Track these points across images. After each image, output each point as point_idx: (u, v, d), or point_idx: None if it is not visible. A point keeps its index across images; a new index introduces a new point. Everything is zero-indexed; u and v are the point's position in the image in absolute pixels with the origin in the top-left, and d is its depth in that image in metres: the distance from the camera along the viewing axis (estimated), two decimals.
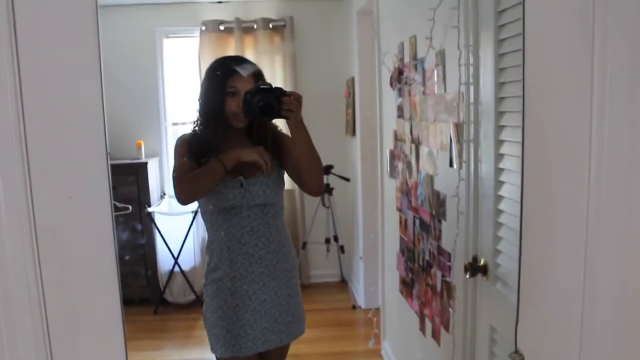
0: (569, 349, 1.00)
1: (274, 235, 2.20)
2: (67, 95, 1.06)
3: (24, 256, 1.01)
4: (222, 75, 2.10)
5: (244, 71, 2.10)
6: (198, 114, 2.19)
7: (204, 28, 5.06)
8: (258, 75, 2.16)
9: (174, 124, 5.34)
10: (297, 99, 2.00)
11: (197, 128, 2.19)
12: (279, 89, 2.03)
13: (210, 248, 2.23)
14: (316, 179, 2.16)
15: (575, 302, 0.99)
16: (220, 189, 2.12)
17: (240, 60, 2.19)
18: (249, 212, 2.14)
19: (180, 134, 2.25)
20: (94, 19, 1.03)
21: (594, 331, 0.99)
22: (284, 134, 2.27)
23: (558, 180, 1.03)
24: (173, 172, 2.14)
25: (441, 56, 2.31)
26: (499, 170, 1.83)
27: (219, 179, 2.08)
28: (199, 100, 2.19)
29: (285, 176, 2.29)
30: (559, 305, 1.04)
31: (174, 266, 4.91)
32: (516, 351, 1.06)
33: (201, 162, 2.12)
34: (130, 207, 4.74)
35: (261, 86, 2.04)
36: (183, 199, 2.10)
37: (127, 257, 4.86)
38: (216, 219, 2.17)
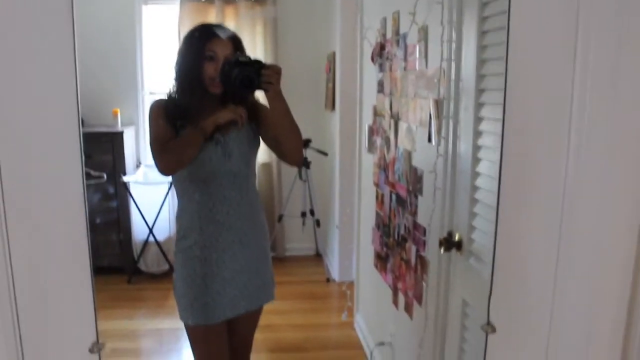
0: (540, 321, 1.03)
1: (245, 202, 2.19)
2: (38, 57, 1.04)
3: None
4: (200, 39, 2.07)
5: (222, 33, 2.07)
6: (174, 80, 2.15)
7: None
8: (236, 41, 2.13)
9: (152, 93, 5.26)
10: (276, 71, 1.98)
11: (172, 94, 2.15)
12: (257, 62, 2.00)
13: (180, 216, 2.21)
14: (295, 148, 2.15)
15: (548, 276, 1.02)
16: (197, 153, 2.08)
17: (219, 26, 2.17)
18: (221, 180, 2.13)
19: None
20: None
21: (565, 304, 1.02)
22: (261, 104, 2.25)
23: (537, 157, 1.05)
24: (150, 140, 2.10)
25: (424, 32, 2.31)
26: (477, 147, 1.85)
27: (200, 147, 2.06)
28: (175, 66, 2.15)
29: (262, 150, 2.28)
30: (531, 278, 1.07)
31: (148, 236, 4.89)
32: (488, 323, 1.09)
33: (177, 127, 2.10)
34: (105, 176, 4.70)
35: (240, 59, 2.00)
36: (166, 171, 2.08)
37: (99, 224, 4.83)
38: (188, 187, 2.15)
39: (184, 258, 2.19)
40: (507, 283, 1.13)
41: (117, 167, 4.80)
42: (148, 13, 5.21)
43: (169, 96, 2.17)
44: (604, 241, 1.00)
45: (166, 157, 2.06)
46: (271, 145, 2.23)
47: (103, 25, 5.01)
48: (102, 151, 4.76)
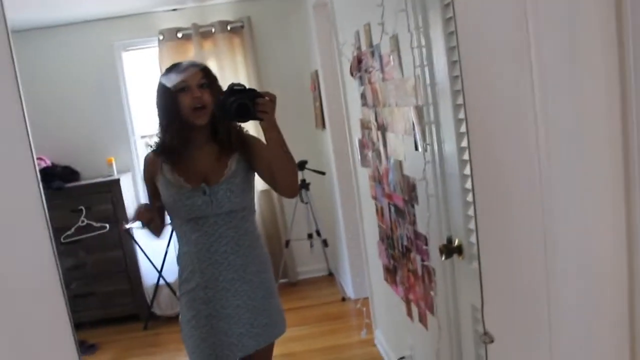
0: (538, 326, 0.99)
1: (243, 239, 2.17)
2: None
3: None
4: (168, 77, 2.11)
5: (189, 64, 2.14)
6: (159, 125, 2.19)
7: (161, 37, 4.99)
8: (205, 69, 2.16)
9: (143, 136, 5.26)
10: (272, 100, 1.96)
11: (160, 137, 2.19)
12: (252, 90, 1.99)
13: (181, 259, 2.23)
14: (291, 181, 2.12)
15: (539, 279, 0.98)
16: (184, 200, 2.11)
17: (182, 63, 2.21)
18: (216, 219, 2.12)
19: (149, 149, 2.26)
20: (7, 51, 0.98)
21: (561, 305, 0.98)
22: (251, 135, 2.25)
23: (507, 151, 1.02)
24: None
25: (395, 41, 2.29)
26: (461, 150, 1.82)
27: (155, 224, 2.22)
28: (157, 112, 2.18)
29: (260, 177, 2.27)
30: (523, 282, 1.03)
31: (158, 279, 4.86)
32: (485, 333, 1.05)
33: (170, 174, 2.16)
34: (108, 226, 4.68)
35: (235, 87, 1.99)
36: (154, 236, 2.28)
37: (108, 274, 4.82)
38: (185, 229, 2.17)
39: (188, 300, 2.19)
40: (499, 288, 1.10)
41: (118, 215, 4.78)
42: (129, 58, 5.23)
43: (156, 143, 2.21)
44: (590, 229, 0.96)
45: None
46: (265, 177, 2.19)
47: (86, 78, 5.04)
48: (102, 201, 4.76)
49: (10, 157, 1.00)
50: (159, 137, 2.19)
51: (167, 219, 2.32)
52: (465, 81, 1.05)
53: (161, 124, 2.17)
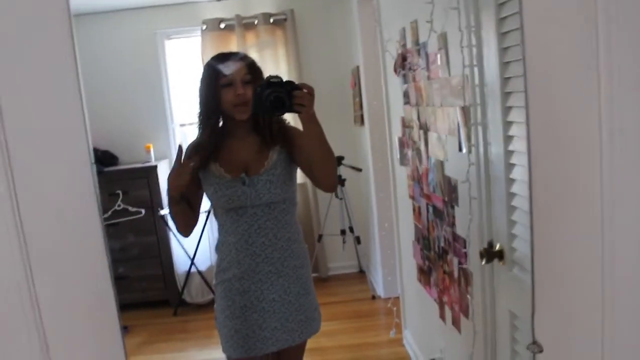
0: (591, 337, 0.96)
1: (282, 232, 2.16)
2: (47, 110, 1.02)
3: (17, 276, 0.98)
4: (214, 67, 2.09)
5: (235, 57, 2.10)
6: (199, 114, 2.18)
7: (204, 27, 5.03)
8: (251, 64, 2.14)
9: (182, 125, 5.31)
10: (310, 92, 1.91)
11: (199, 129, 2.19)
12: (290, 82, 1.94)
13: (219, 249, 2.23)
14: (329, 174, 2.10)
15: (595, 288, 0.95)
16: (224, 190, 2.11)
17: (233, 53, 2.18)
18: (256, 210, 2.12)
19: (188, 136, 2.27)
20: (68, 34, 0.99)
21: (616, 317, 0.94)
22: (293, 127, 2.23)
23: (568, 158, 0.99)
24: None
25: (443, 39, 2.26)
26: (508, 153, 1.78)
27: (183, 210, 2.14)
28: (198, 100, 2.18)
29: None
30: (577, 292, 1.00)
31: (190, 267, 4.91)
32: (534, 342, 1.02)
33: (209, 164, 2.15)
34: (143, 211, 4.74)
35: (272, 79, 1.96)
36: (181, 234, 2.24)
37: (141, 259, 4.88)
38: (225, 219, 2.17)
39: (224, 290, 2.19)
40: (551, 297, 1.06)
41: (154, 201, 4.84)
42: (171, 47, 5.28)
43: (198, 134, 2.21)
44: None
45: (173, 221, 2.20)
46: (305, 169, 2.18)
47: (128, 64, 5.11)
48: (138, 187, 4.82)
49: (68, 139, 1.01)
50: (200, 129, 2.19)
51: (204, 207, 2.32)
52: (529, 84, 1.02)
53: (202, 116, 2.16)
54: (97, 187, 1.03)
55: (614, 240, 0.92)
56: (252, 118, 2.13)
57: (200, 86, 2.15)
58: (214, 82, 2.08)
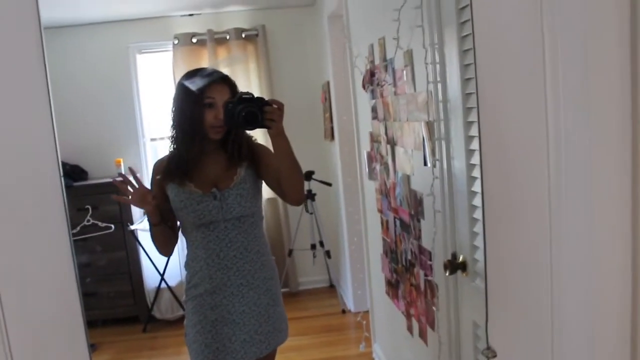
0: (541, 342, 1.00)
1: (252, 245, 2.19)
2: (15, 123, 1.02)
3: None
4: (197, 86, 2.08)
5: (218, 78, 2.10)
6: (173, 130, 2.17)
7: (176, 42, 5.04)
8: (231, 83, 2.16)
9: (152, 139, 5.29)
10: (280, 108, 1.97)
11: (173, 146, 2.19)
12: (260, 99, 2.01)
13: (189, 265, 2.23)
14: (297, 188, 2.13)
15: (543, 295, 0.99)
16: (194, 205, 2.12)
17: (213, 71, 2.18)
18: (227, 224, 2.14)
19: (159, 150, 2.27)
20: (39, 51, 1.00)
21: (564, 323, 0.98)
22: (259, 144, 2.28)
23: (518, 172, 1.03)
24: None
25: (409, 56, 2.31)
26: (470, 166, 1.83)
27: (163, 231, 2.19)
28: (172, 115, 2.17)
29: (266, 185, 2.28)
30: (527, 298, 1.04)
31: (160, 282, 4.87)
32: (488, 347, 1.05)
33: (181, 181, 2.15)
34: (113, 226, 4.70)
35: (243, 96, 2.01)
36: (162, 254, 2.28)
37: (111, 274, 4.83)
38: (195, 235, 2.18)
39: (195, 305, 2.20)
40: (503, 303, 1.10)
41: (123, 216, 4.80)
42: (143, 61, 5.27)
43: (170, 150, 2.20)
44: (596, 246, 0.97)
45: (154, 244, 2.23)
46: (272, 185, 2.22)
47: (100, 77, 5.08)
48: (108, 202, 4.76)
49: (36, 153, 1.02)
50: (175, 142, 2.18)
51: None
52: (480, 97, 1.06)
53: (179, 134, 2.15)
54: (66, 202, 1.04)
55: (561, 248, 0.96)
56: (222, 137, 2.16)
57: (180, 104, 2.13)
58: (198, 102, 2.08)
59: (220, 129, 2.10)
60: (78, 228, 4.54)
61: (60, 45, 4.97)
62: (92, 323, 4.80)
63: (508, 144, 1.05)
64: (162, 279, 4.84)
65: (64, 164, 4.92)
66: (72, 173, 4.91)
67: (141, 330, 4.82)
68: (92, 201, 4.69)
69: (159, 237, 2.20)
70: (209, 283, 2.16)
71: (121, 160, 5.02)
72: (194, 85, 2.09)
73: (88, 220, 4.63)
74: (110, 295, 4.87)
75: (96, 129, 5.11)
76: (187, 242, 2.25)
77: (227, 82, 2.14)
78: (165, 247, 2.24)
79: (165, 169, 2.18)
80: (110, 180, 4.75)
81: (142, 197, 2.10)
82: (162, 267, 4.83)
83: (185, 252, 2.27)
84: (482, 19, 1.08)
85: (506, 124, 1.04)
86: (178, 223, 2.27)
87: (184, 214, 2.15)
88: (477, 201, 1.81)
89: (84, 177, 5.03)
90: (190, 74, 2.16)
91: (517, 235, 1.04)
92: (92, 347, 4.48)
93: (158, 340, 4.64)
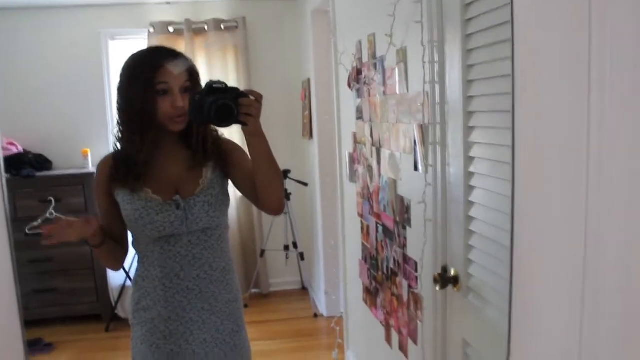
0: None
1: (218, 261, 1.88)
2: None
3: None
4: (148, 70, 1.72)
5: (175, 68, 1.73)
6: (119, 125, 1.81)
7: (152, 30, 4.84)
8: (193, 72, 1.81)
9: None
10: (257, 99, 1.65)
11: (118, 142, 1.83)
12: (235, 89, 1.69)
13: (139, 284, 1.88)
14: (276, 197, 1.80)
15: (574, 332, 0.86)
16: (153, 216, 1.78)
17: (170, 52, 1.80)
18: (191, 237, 1.82)
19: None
20: None
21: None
22: (229, 141, 1.95)
23: (553, 192, 0.90)
24: None
25: (403, 54, 2.18)
26: (469, 175, 1.71)
27: (109, 249, 1.86)
28: (118, 106, 1.80)
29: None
30: (556, 335, 0.91)
31: (125, 280, 4.67)
32: None
33: (134, 186, 1.79)
34: None
35: (214, 85, 1.68)
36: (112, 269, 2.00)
37: (74, 270, 4.63)
38: (151, 250, 1.83)
39: (145, 333, 1.85)
40: (527, 341, 0.97)
41: (89, 209, 4.59)
42: (115, 48, 5.05)
43: (115, 147, 1.84)
44: (633, 281, 0.85)
45: (103, 262, 1.95)
46: (244, 189, 1.90)
47: (68, 63, 4.86)
48: (73, 194, 4.57)
49: None
50: (122, 140, 1.81)
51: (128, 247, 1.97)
52: (516, 106, 0.93)
53: (128, 127, 1.78)
54: (6, 192, 0.88)
55: (597, 283, 0.84)
56: (183, 130, 1.81)
57: (127, 90, 1.76)
58: (149, 88, 1.71)
59: (180, 118, 1.74)
60: (39, 221, 4.31)
61: (23, 27, 4.73)
62: (51, 321, 4.59)
63: (543, 160, 0.92)
64: (128, 276, 4.64)
65: (27, 153, 4.69)
66: (36, 162, 4.68)
67: (104, 329, 4.62)
68: (55, 193, 4.45)
69: (105, 256, 1.88)
70: (163, 307, 1.82)
71: (88, 150, 4.81)
72: (141, 68, 1.75)
73: (51, 214, 4.39)
74: (72, 292, 4.66)
75: (63, 117, 4.88)
76: (138, 256, 1.90)
77: (185, 63, 1.77)
78: (114, 262, 1.94)
79: (113, 172, 1.81)
80: (77, 171, 4.59)
81: (85, 223, 1.75)
82: (128, 264, 4.63)
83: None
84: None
85: (547, 134, 0.91)
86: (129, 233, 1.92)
87: (140, 225, 1.79)
88: (474, 212, 1.69)
89: (48, 167, 4.80)
90: (137, 56, 1.81)
91: (547, 268, 0.91)
92: (50, 346, 4.28)
93: (121, 340, 4.44)
